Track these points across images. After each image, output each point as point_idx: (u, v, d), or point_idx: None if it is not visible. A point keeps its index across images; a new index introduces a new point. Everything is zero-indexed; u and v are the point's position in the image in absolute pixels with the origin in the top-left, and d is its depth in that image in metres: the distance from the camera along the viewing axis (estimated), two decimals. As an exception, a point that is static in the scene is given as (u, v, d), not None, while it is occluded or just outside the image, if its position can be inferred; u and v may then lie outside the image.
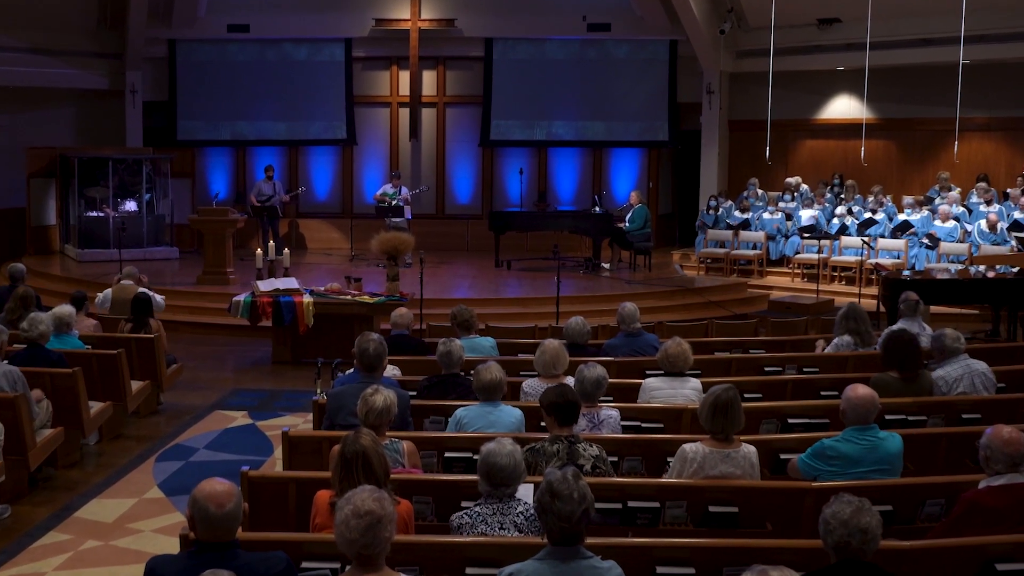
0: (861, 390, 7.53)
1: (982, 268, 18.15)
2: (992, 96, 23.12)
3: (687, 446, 7.40)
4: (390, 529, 5.05)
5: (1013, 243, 19.84)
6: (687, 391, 9.30)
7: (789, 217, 23.68)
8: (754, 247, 23.55)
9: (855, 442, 7.40)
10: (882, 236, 21.78)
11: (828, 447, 7.44)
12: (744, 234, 23.74)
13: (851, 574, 5.33)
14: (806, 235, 22.47)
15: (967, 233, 20.82)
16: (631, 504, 7.02)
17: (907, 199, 22.37)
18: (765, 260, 23.37)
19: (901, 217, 21.93)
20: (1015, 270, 17.60)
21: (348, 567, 5.11)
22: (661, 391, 9.38)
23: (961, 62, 19.85)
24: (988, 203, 21.28)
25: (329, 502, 6.21)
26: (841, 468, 7.35)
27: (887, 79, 23.41)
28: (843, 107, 25.67)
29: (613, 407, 8.66)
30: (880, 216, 22.25)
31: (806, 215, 23.24)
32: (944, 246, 20.59)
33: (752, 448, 7.43)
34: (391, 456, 7.14)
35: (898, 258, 21.03)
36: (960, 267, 19.05)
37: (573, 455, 7.31)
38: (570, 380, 8.74)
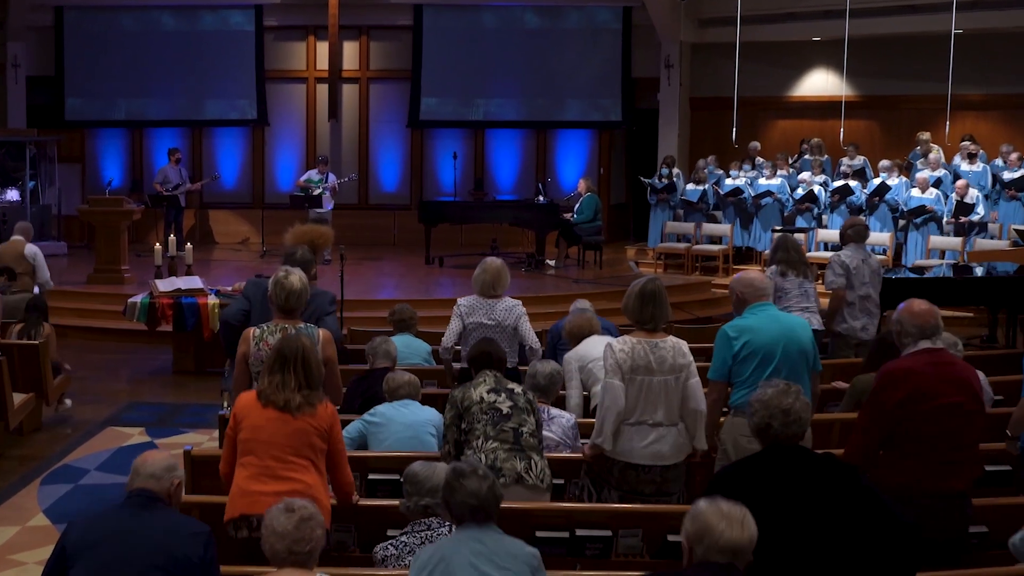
0: (752, 273, 8.30)
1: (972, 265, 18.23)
2: (988, 70, 23.25)
3: (613, 341, 7.80)
4: (321, 530, 5.36)
5: (1012, 237, 19.93)
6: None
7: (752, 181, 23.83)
8: (719, 242, 23.68)
9: (754, 313, 7.97)
10: (861, 209, 21.85)
11: (729, 326, 7.98)
12: (708, 227, 23.83)
13: (777, 459, 5.45)
14: (776, 229, 22.48)
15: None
16: (579, 532, 7.04)
17: (884, 162, 22.24)
18: (731, 256, 23.47)
19: (876, 181, 21.93)
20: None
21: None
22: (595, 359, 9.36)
23: (953, 32, 20.01)
24: (973, 158, 21.46)
25: (257, 394, 6.83)
26: (754, 347, 7.78)
27: (869, 51, 23.56)
28: (819, 83, 25.79)
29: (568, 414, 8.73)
30: (856, 184, 22.18)
31: (767, 183, 23.32)
32: (936, 240, 20.62)
33: (681, 340, 7.84)
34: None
35: (883, 253, 21.08)
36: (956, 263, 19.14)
37: (500, 382, 7.74)
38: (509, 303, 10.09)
